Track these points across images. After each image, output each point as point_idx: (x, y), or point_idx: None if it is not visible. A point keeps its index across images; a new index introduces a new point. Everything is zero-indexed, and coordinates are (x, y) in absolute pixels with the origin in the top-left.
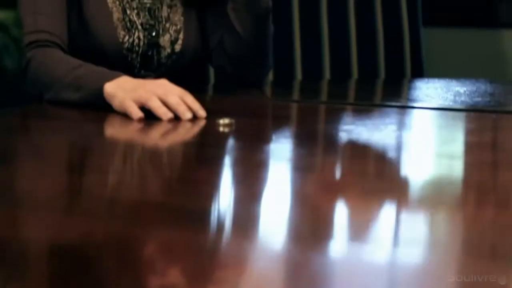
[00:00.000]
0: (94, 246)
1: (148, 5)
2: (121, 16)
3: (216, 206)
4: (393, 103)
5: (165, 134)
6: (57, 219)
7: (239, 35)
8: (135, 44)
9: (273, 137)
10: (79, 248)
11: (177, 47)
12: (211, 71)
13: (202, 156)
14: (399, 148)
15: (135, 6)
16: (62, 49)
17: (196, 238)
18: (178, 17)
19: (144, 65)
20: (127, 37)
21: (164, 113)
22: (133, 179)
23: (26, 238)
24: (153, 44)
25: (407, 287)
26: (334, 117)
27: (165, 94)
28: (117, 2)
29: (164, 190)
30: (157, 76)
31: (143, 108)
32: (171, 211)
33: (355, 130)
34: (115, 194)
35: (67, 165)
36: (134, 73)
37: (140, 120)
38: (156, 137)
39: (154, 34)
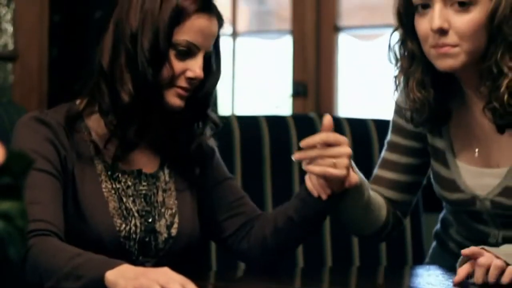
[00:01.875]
0: None
1: (143, 191)
2: (117, 204)
3: None
4: None
5: None
6: None
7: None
8: (132, 231)
9: None
10: None
11: (173, 231)
12: (213, 256)
13: None
14: None
15: (130, 194)
16: (59, 237)
17: None
18: (172, 201)
19: (142, 251)
20: (124, 225)
21: None
22: None
23: None
24: (150, 230)
25: None
26: None
27: (167, 282)
28: (113, 191)
29: None
30: (156, 261)
31: None
32: None
33: None
34: None
35: None
36: (132, 260)
37: None
38: None
39: (150, 220)
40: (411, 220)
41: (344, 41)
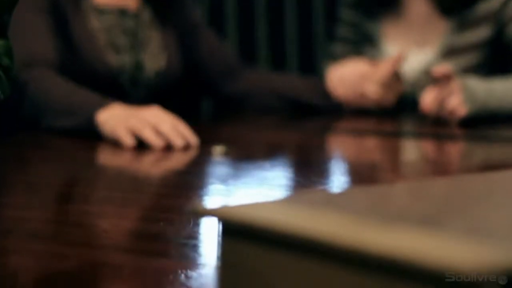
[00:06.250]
0: (79, 276)
1: (130, 28)
2: (107, 40)
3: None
4: None
5: (156, 162)
6: (45, 248)
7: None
8: (123, 64)
9: (268, 165)
10: (68, 277)
11: (161, 64)
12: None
13: (192, 185)
14: None
15: (118, 30)
16: (54, 68)
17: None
18: (157, 37)
19: (133, 84)
20: (115, 59)
21: (157, 143)
22: (121, 208)
23: (14, 267)
24: (139, 63)
25: None
26: (334, 146)
27: (157, 122)
28: (101, 28)
29: (151, 219)
30: (147, 93)
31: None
32: (156, 240)
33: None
34: (103, 224)
35: (56, 194)
36: (125, 93)
37: (132, 148)
38: (147, 166)
39: (138, 53)
40: None
41: None
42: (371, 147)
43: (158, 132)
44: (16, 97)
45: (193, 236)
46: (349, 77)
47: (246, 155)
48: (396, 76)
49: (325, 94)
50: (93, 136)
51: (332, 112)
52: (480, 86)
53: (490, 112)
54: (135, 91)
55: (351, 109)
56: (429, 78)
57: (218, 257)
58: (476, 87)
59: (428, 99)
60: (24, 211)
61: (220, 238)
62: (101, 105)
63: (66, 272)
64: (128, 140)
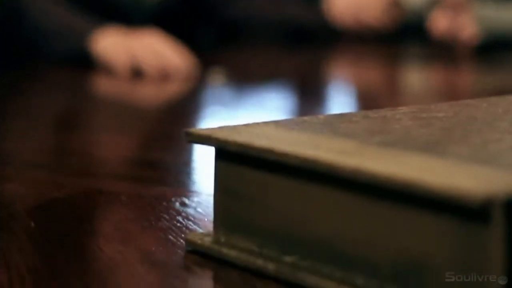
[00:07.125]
0: (75, 203)
1: None
2: None
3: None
4: None
5: (155, 89)
6: (41, 177)
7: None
8: None
9: (268, 90)
10: (65, 205)
11: None
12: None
13: (191, 111)
14: None
15: None
16: None
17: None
18: None
19: (136, 11)
20: None
21: (153, 68)
22: (118, 135)
23: (10, 194)
24: None
25: None
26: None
27: (157, 46)
28: None
29: (148, 147)
30: (149, 22)
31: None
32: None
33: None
34: (99, 152)
35: (52, 123)
36: (126, 19)
37: (130, 76)
38: (146, 93)
39: None
40: None
41: None
42: (373, 74)
43: (157, 56)
44: (16, 21)
45: (191, 162)
46: (348, 3)
47: (246, 80)
48: (395, 2)
49: (324, 20)
50: (90, 66)
51: (331, 38)
52: (493, 11)
53: (502, 38)
54: (137, 18)
55: (350, 35)
56: (437, 4)
57: (214, 182)
58: (488, 12)
59: (438, 23)
60: (20, 140)
61: (215, 160)
62: (97, 27)
63: (62, 200)
64: (123, 65)
